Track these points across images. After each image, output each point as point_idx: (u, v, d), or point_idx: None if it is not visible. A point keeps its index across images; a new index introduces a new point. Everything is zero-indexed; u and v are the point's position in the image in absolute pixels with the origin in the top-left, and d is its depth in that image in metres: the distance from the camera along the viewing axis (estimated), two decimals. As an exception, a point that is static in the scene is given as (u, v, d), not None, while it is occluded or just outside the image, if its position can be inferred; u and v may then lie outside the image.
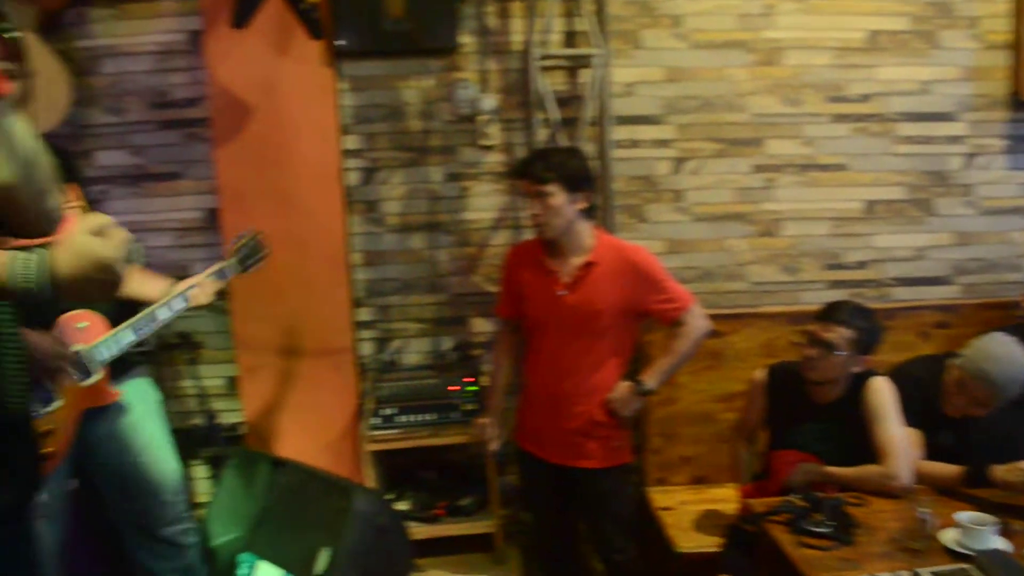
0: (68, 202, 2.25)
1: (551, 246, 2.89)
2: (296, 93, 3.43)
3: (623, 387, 2.90)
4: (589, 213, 2.88)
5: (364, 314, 3.75)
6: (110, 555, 2.98)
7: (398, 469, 3.60)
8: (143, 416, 2.62)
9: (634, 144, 3.70)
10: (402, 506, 3.46)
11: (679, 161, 3.75)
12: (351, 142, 3.61)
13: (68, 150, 2.74)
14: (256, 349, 3.60)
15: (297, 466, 3.05)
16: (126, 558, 2.79)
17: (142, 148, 3.60)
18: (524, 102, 3.58)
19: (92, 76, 3.52)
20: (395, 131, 3.62)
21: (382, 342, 3.78)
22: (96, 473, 2.62)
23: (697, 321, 2.90)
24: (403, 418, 3.37)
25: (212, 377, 3.73)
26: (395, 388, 3.46)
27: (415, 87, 3.59)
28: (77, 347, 2.31)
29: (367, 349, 3.77)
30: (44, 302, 1.33)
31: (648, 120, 3.70)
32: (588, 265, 2.83)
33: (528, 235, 3.61)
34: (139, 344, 2.51)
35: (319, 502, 2.83)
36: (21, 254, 1.34)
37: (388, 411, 3.37)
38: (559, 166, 2.77)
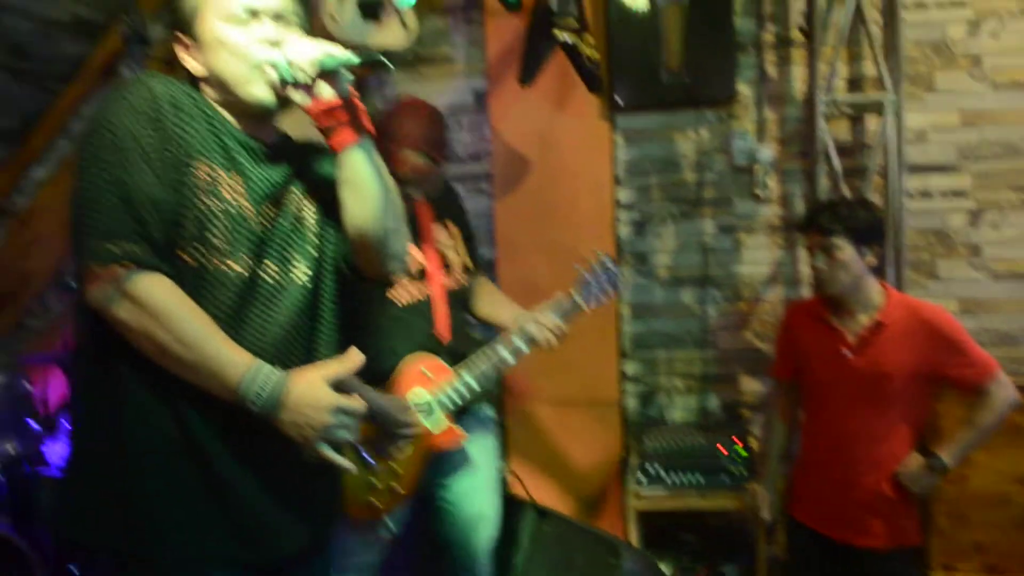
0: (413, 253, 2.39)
1: (835, 303, 2.70)
2: (572, 146, 3.52)
3: (915, 461, 2.62)
4: (877, 269, 2.67)
5: (630, 367, 3.71)
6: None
7: (657, 529, 3.49)
8: (486, 484, 2.66)
9: (925, 195, 3.42)
10: (663, 567, 3.34)
11: (976, 213, 3.40)
12: (624, 194, 3.63)
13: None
14: (522, 395, 3.68)
15: (562, 518, 3.04)
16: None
17: (428, 201, 3.83)
18: (804, 152, 3.42)
19: (388, 135, 3.82)
20: (668, 183, 3.59)
21: (648, 396, 3.72)
22: (428, 512, 2.67)
23: (1002, 391, 2.58)
24: (669, 477, 3.26)
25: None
26: (660, 445, 3.36)
27: (690, 138, 3.56)
28: (424, 394, 2.39)
29: (632, 403, 3.73)
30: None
31: (942, 169, 3.41)
32: (877, 325, 2.61)
33: (806, 291, 3.44)
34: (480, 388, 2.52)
35: (585, 557, 2.79)
36: (265, 369, 1.40)
37: (653, 469, 3.28)
38: (847, 217, 2.59)
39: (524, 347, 2.54)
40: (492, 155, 3.67)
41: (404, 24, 3.35)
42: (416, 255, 2.41)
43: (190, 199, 1.41)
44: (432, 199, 2.60)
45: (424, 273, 2.48)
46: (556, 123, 3.53)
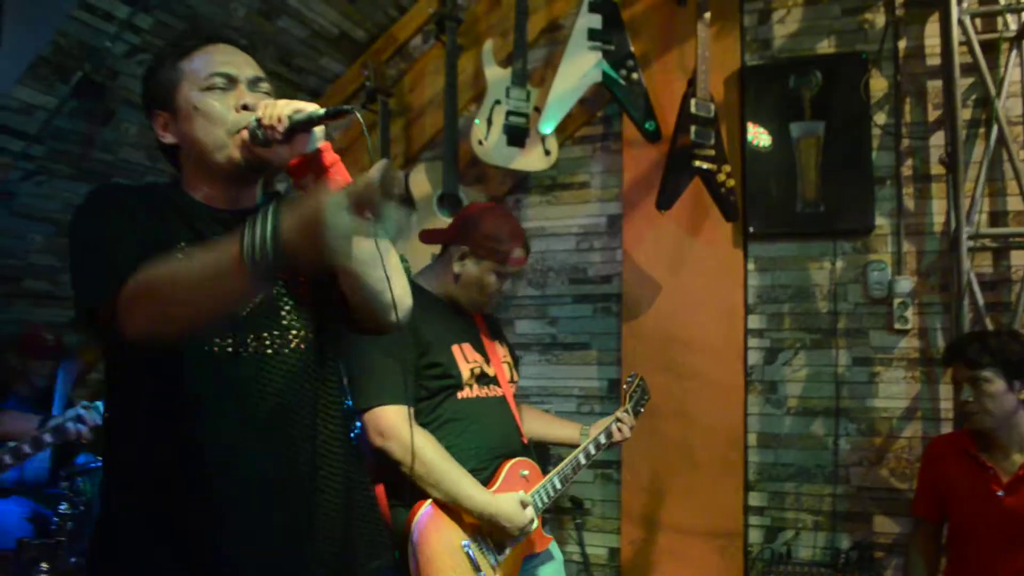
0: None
1: (985, 439, 2.60)
2: (703, 272, 3.57)
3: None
4: (1030, 405, 2.56)
5: (755, 499, 3.61)
6: None
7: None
8: (561, 566, 2.65)
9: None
10: None
11: None
12: (755, 321, 3.62)
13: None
14: (642, 523, 3.61)
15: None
16: None
17: (557, 319, 3.92)
18: (943, 285, 3.37)
19: (522, 254, 3.97)
20: (801, 312, 3.58)
21: (773, 531, 3.59)
22: None
23: None
24: (798, 616, 3.12)
25: (596, 545, 3.78)
26: (785, 583, 3.23)
27: (824, 268, 3.55)
28: (522, 494, 2.38)
29: (756, 537, 3.60)
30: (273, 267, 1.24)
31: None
32: (1033, 464, 2.49)
33: (947, 429, 3.31)
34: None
35: None
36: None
37: (780, 606, 3.15)
38: (998, 350, 2.53)
39: (594, 450, 2.59)
40: (623, 277, 3.75)
41: (546, 151, 3.54)
42: (479, 360, 2.45)
43: None
44: (482, 315, 2.64)
45: (491, 378, 2.49)
46: (688, 249, 3.60)
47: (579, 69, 3.30)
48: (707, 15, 3.27)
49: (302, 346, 1.52)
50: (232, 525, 1.43)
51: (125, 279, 1.31)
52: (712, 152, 3.23)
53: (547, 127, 3.35)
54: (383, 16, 4.18)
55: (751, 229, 3.56)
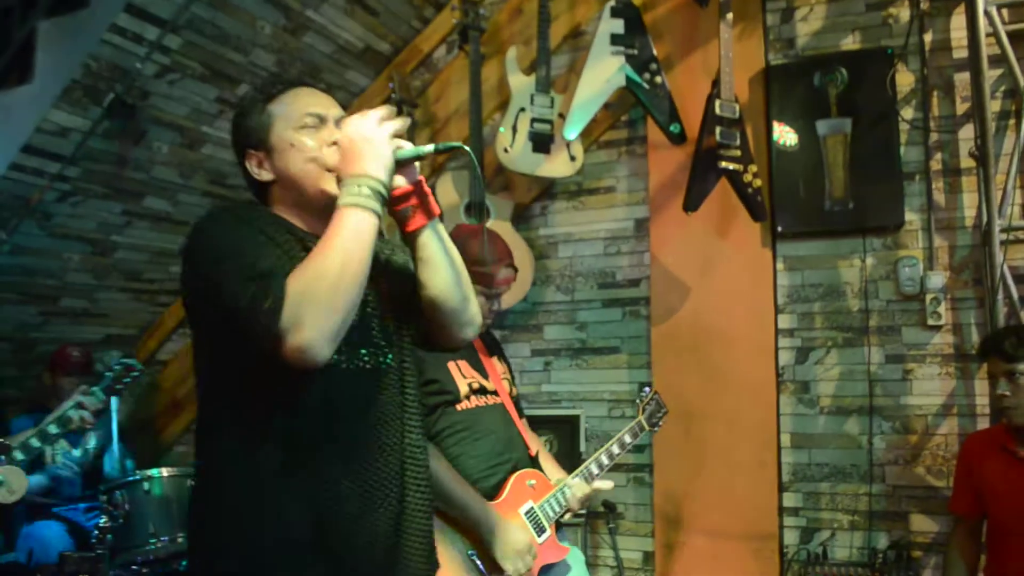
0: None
1: (1021, 434, 2.57)
2: (732, 273, 3.57)
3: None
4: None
5: (790, 499, 3.59)
6: None
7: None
8: (575, 564, 2.64)
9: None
10: None
11: None
12: (785, 321, 3.61)
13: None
14: (675, 526, 3.61)
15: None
16: None
17: (586, 324, 3.93)
18: (976, 279, 3.33)
19: (549, 259, 3.99)
20: (832, 310, 3.56)
21: (809, 531, 3.56)
22: None
23: None
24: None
25: (629, 549, 3.78)
26: (824, 584, 3.21)
27: (854, 266, 3.53)
28: (533, 507, 2.41)
29: (791, 537, 3.58)
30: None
31: None
32: (1073, 459, 2.46)
33: (983, 424, 3.27)
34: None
35: None
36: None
37: (819, 607, 3.13)
38: (1034, 344, 2.50)
39: (607, 461, 2.62)
40: (651, 280, 3.76)
41: (572, 156, 3.56)
42: (475, 376, 2.48)
43: None
44: (479, 334, 2.65)
45: (491, 391, 2.51)
46: (716, 250, 3.60)
47: (602, 74, 3.32)
48: (729, 16, 3.27)
49: (391, 362, 1.63)
50: (340, 530, 1.51)
51: (284, 286, 1.38)
52: (738, 152, 3.23)
53: (572, 133, 3.37)
54: (407, 28, 4.23)
55: (779, 228, 3.55)
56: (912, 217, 3.46)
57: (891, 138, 3.43)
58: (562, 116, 3.47)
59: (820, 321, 3.58)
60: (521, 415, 2.68)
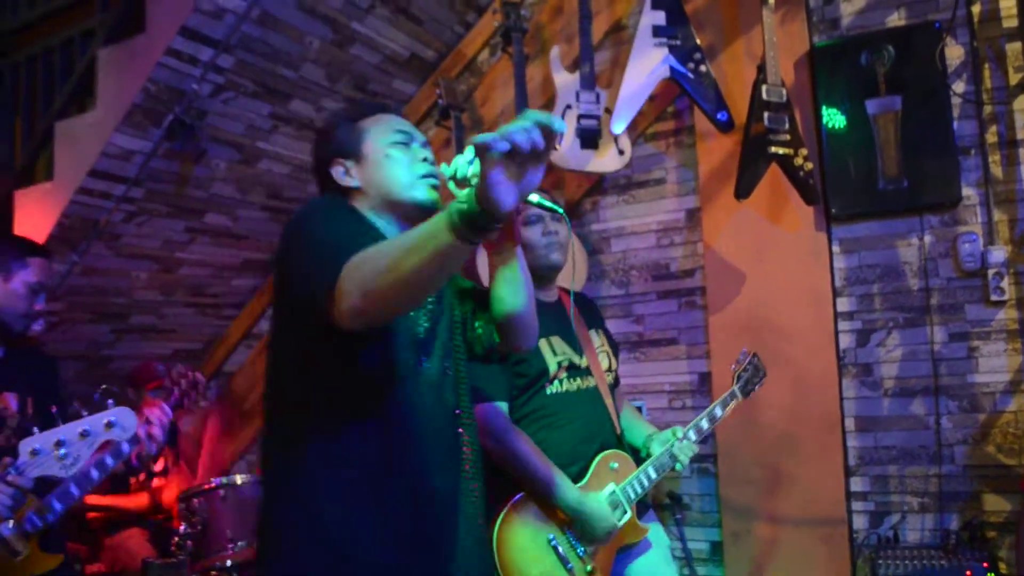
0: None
1: (1096, 407, 2.52)
2: (787, 258, 3.54)
3: None
4: None
5: (857, 484, 3.55)
6: None
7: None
8: (662, 558, 2.66)
9: None
10: None
11: None
12: (844, 304, 3.58)
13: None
14: (741, 514, 3.59)
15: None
16: None
17: (642, 317, 3.95)
18: (1041, 253, 3.27)
19: (603, 254, 4.01)
20: (891, 291, 3.52)
21: (878, 516, 3.52)
22: None
23: None
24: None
25: (697, 540, 3.78)
26: (895, 569, 3.17)
27: (912, 245, 3.49)
28: (615, 489, 2.43)
29: (861, 523, 3.54)
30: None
31: None
32: None
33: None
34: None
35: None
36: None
37: (891, 593, 3.09)
38: (1103, 314, 2.45)
39: (694, 436, 2.60)
40: (705, 270, 3.75)
41: (620, 150, 3.57)
42: (568, 352, 2.51)
43: None
44: (578, 304, 2.71)
45: (583, 369, 2.53)
46: (770, 236, 3.58)
47: (646, 66, 3.32)
48: (771, 0, 3.26)
49: (458, 366, 1.82)
50: (434, 525, 1.68)
51: (343, 264, 1.46)
52: (787, 137, 3.21)
53: (619, 127, 3.38)
54: (450, 34, 4.28)
55: (833, 211, 3.52)
56: (969, 192, 3.40)
57: (943, 113, 3.37)
58: (608, 111, 3.49)
59: (880, 302, 3.53)
60: (617, 384, 2.71)
